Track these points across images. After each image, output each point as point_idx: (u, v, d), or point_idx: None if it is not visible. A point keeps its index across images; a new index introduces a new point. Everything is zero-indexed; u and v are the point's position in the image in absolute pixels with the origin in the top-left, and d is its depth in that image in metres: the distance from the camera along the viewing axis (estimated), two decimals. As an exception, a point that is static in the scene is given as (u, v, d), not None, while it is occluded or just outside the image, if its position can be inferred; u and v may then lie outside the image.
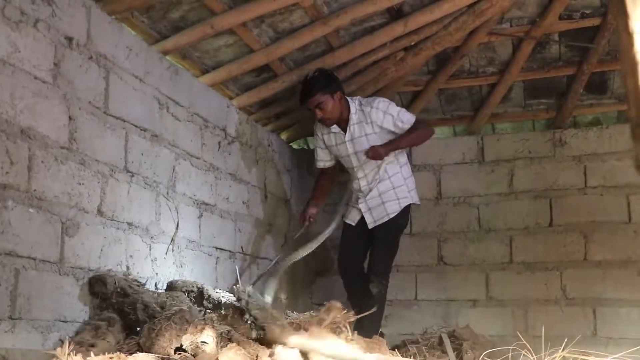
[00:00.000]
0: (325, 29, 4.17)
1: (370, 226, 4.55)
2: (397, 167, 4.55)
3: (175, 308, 2.87)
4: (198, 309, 3.17)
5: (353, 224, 4.65)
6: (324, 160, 4.72)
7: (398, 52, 4.69)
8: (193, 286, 3.43)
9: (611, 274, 4.85)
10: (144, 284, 3.30)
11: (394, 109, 4.42)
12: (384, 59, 4.72)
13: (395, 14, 4.32)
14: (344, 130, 4.48)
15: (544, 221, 5.08)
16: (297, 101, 4.93)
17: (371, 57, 4.64)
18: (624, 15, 0.83)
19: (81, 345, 2.47)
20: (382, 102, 4.42)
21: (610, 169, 4.97)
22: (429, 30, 4.50)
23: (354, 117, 4.42)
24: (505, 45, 4.86)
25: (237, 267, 4.42)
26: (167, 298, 3.08)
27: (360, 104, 4.43)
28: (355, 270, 4.62)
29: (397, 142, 4.42)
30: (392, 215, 4.50)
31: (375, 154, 4.35)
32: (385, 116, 4.39)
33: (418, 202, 4.68)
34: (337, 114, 4.39)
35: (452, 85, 5.19)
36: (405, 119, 4.42)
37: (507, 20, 4.64)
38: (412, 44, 4.60)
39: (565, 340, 3.32)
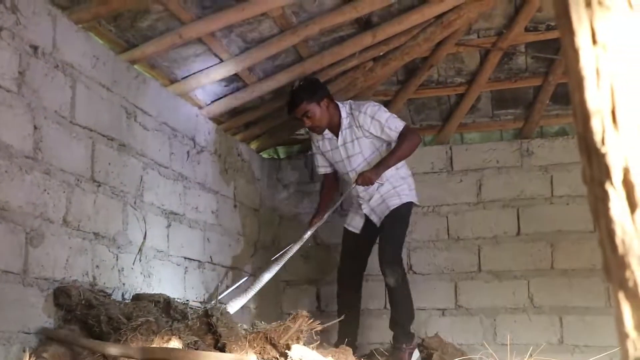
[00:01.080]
0: (294, 38, 4.18)
1: (377, 224, 4.51)
2: (393, 169, 4.45)
3: (141, 319, 2.86)
4: (165, 319, 3.15)
5: (357, 232, 4.66)
6: (324, 166, 4.73)
7: (367, 62, 4.72)
8: (159, 297, 3.41)
9: (577, 282, 4.91)
10: (111, 294, 3.27)
11: (383, 115, 4.38)
12: (353, 69, 4.75)
13: (364, 25, 4.35)
14: (337, 136, 4.51)
15: (511, 230, 5.13)
16: (267, 110, 4.95)
17: (340, 67, 4.66)
18: (569, 32, 0.85)
19: (38, 357, 2.45)
20: (370, 107, 4.41)
21: (576, 178, 5.02)
22: (397, 41, 4.53)
23: (344, 121, 4.44)
24: (472, 56, 4.91)
25: (218, 285, 4.44)
26: (133, 309, 3.05)
27: (351, 108, 4.44)
28: (354, 279, 4.71)
29: (386, 162, 4.36)
30: (392, 208, 4.43)
31: (365, 180, 4.33)
32: (372, 122, 4.38)
33: (418, 203, 4.63)
34: (325, 121, 4.41)
35: (420, 95, 5.23)
36: (394, 126, 4.37)
37: (475, 31, 4.69)
38: (381, 54, 4.63)
39: (532, 348, 3.37)
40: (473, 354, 4.28)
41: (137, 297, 3.40)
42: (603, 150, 0.81)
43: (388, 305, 5.24)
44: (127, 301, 3.35)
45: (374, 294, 5.28)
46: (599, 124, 0.82)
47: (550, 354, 3.88)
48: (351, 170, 4.52)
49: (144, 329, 2.71)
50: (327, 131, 4.51)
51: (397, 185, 4.46)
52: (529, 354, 3.04)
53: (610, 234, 0.81)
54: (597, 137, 0.82)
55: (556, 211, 5.04)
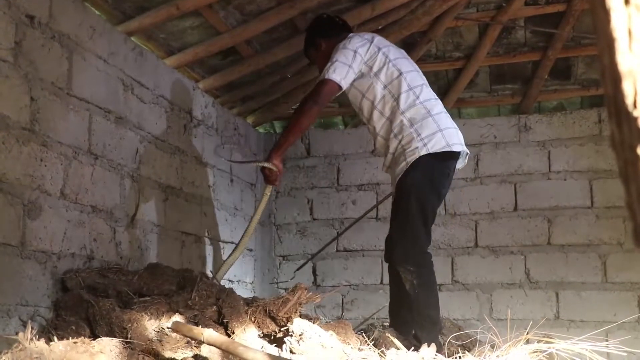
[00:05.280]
0: (292, 11, 4.14)
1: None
2: (399, 116, 3.38)
3: (152, 296, 2.87)
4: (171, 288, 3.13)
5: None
6: None
7: (365, 36, 4.67)
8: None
9: (574, 257, 4.91)
10: (124, 266, 3.32)
11: (335, 54, 3.41)
12: (351, 43, 4.69)
13: (363, -3, 4.31)
14: None
15: (508, 206, 5.12)
16: (263, 84, 4.92)
17: (338, 40, 4.60)
18: (600, -8, 0.82)
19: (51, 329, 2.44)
20: (342, 42, 3.49)
21: (574, 154, 5.02)
22: (396, 15, 4.48)
23: None
24: (471, 30, 4.87)
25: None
26: (143, 284, 3.04)
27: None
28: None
29: (279, 144, 3.46)
30: (397, 177, 3.37)
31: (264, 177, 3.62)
32: None
33: (448, 148, 3.34)
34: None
35: (418, 69, 5.18)
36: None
37: (474, 4, 4.65)
38: (379, 27, 4.57)
39: (531, 323, 3.37)
40: (469, 329, 4.29)
41: (155, 267, 3.35)
42: (635, 113, 0.78)
43: (384, 280, 5.25)
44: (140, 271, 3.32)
45: (370, 269, 5.28)
46: (630, 86, 0.79)
47: (546, 329, 3.88)
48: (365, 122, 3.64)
49: (154, 309, 2.70)
50: None
51: (403, 136, 3.36)
52: (527, 329, 3.04)
53: (640, 199, 0.79)
54: (629, 100, 0.79)
55: (553, 187, 5.03)
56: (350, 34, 3.60)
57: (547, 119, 5.16)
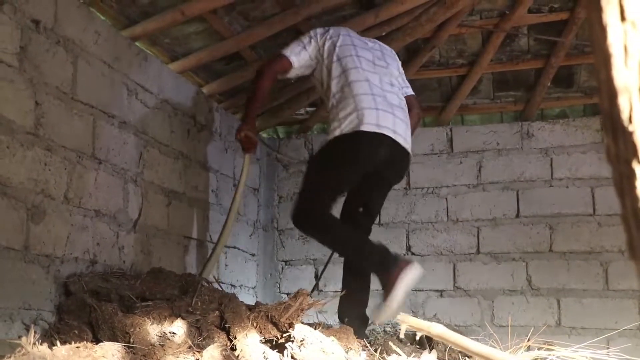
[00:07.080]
0: (297, 17, 4.16)
1: None
2: (331, 99, 3.58)
3: (155, 301, 2.87)
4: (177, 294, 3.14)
5: None
6: None
7: (369, 43, 4.69)
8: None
9: (575, 265, 4.92)
10: (128, 270, 3.34)
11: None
12: (355, 49, 4.71)
13: (367, 4, 4.32)
14: None
15: (510, 212, 5.13)
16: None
17: (342, 46, 4.62)
18: (597, 8, 0.84)
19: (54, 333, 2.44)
20: None
21: (576, 161, 5.03)
22: (399, 21, 4.50)
23: None
24: (475, 38, 4.88)
25: None
26: (145, 288, 3.05)
27: None
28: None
29: (246, 114, 3.80)
30: None
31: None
32: None
33: (354, 129, 3.37)
34: None
35: (422, 76, 5.20)
36: None
37: (477, 12, 4.66)
38: (383, 34, 4.60)
39: (532, 329, 3.38)
40: (471, 335, 4.30)
41: (158, 271, 3.37)
42: (630, 128, 0.80)
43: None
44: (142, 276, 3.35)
45: (372, 275, 5.28)
46: (626, 101, 0.81)
47: (548, 335, 3.89)
48: None
49: (157, 314, 2.70)
50: None
51: (330, 119, 3.57)
52: (528, 336, 3.05)
53: (635, 212, 0.80)
54: (624, 115, 0.81)
55: (555, 194, 5.04)
56: None
57: (550, 126, 5.17)
